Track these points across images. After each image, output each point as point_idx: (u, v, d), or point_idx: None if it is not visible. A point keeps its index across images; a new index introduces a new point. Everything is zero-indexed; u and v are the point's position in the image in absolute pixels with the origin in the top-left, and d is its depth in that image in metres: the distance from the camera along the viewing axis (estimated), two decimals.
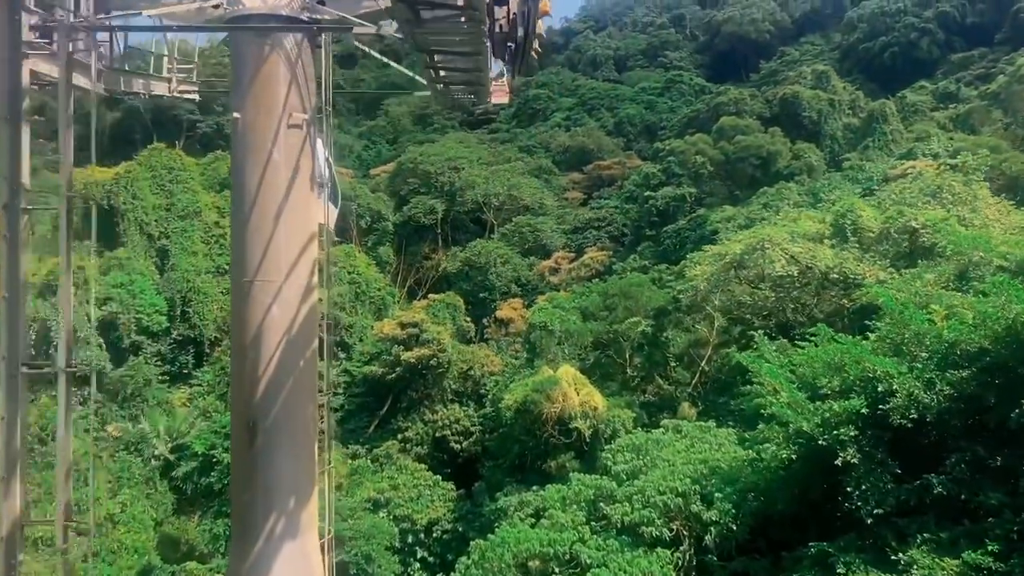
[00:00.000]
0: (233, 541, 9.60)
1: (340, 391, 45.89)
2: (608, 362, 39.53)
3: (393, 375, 42.65)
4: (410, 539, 33.68)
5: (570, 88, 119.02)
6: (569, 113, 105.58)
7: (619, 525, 22.76)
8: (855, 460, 17.86)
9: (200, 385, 45.21)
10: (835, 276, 27.65)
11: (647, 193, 58.32)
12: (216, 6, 9.86)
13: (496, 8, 9.00)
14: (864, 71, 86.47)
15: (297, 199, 10.01)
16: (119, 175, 46.18)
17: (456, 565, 25.46)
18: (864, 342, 20.42)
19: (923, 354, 18.50)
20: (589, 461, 32.56)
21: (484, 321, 58.44)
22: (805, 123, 62.48)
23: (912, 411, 17.09)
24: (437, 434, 41.81)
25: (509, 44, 9.52)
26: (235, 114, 9.78)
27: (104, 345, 39.30)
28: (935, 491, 16.53)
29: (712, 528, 21.80)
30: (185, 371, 46.52)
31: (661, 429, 27.94)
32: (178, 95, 13.37)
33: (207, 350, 47.03)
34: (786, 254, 28.89)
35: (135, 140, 77.14)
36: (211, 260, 48.54)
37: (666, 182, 58.83)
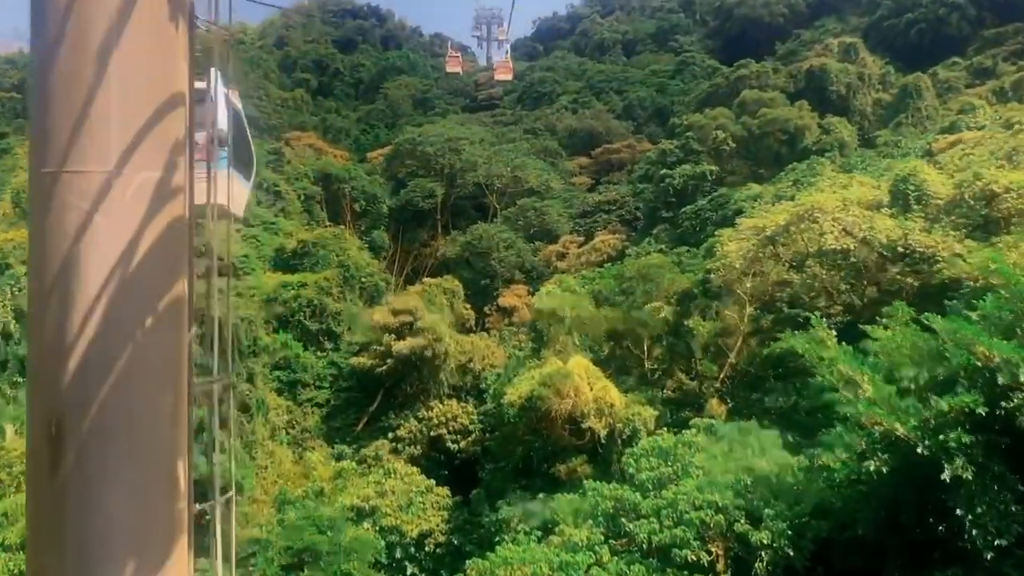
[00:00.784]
0: None
1: (326, 384, 41.81)
2: (624, 353, 35.23)
3: (384, 367, 38.81)
4: (399, 553, 29.52)
5: (576, 72, 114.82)
6: (576, 96, 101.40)
7: (645, 546, 19.18)
8: (967, 475, 13.60)
9: None
10: (900, 249, 23.32)
11: (663, 171, 53.72)
12: None
13: None
14: (888, 49, 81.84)
15: None
16: None
17: None
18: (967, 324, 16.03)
19: None
20: (604, 465, 28.46)
21: (485, 310, 54.28)
22: (832, 98, 57.98)
23: None
24: (432, 433, 37.98)
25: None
26: None
27: None
28: None
29: (762, 553, 17.84)
30: None
31: (692, 429, 23.64)
32: None
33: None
34: (839, 225, 24.57)
35: None
36: None
37: (684, 159, 54.29)
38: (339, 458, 37.07)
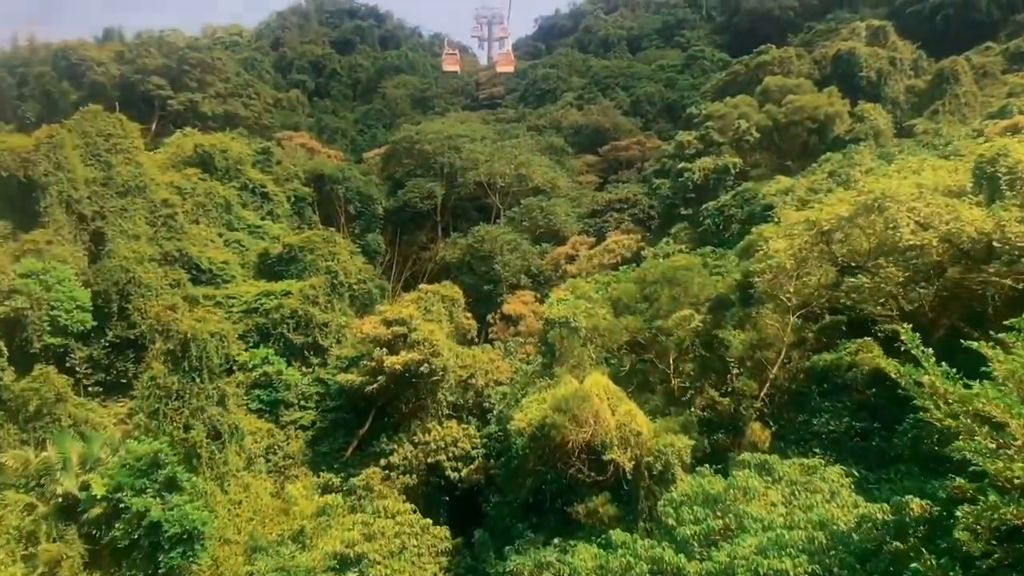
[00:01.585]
0: None
1: (311, 404, 37.40)
2: (647, 368, 30.74)
3: (375, 385, 34.39)
4: None
5: (580, 69, 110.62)
6: (581, 92, 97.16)
7: None
8: None
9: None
10: (996, 245, 18.96)
11: (682, 164, 49.16)
12: None
13: None
14: (911, 37, 77.54)
15: None
16: (40, 141, 37.52)
17: None
18: None
19: None
20: (630, 505, 23.97)
21: (488, 318, 49.86)
22: (862, 84, 53.53)
23: None
24: (429, 459, 33.71)
25: None
26: None
27: (4, 350, 30.83)
28: None
29: None
30: (124, 380, 37.94)
31: (745, 471, 19.16)
32: None
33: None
34: (915, 216, 20.21)
35: None
36: (157, 246, 39.96)
37: (704, 151, 49.79)
38: (325, 489, 32.69)
